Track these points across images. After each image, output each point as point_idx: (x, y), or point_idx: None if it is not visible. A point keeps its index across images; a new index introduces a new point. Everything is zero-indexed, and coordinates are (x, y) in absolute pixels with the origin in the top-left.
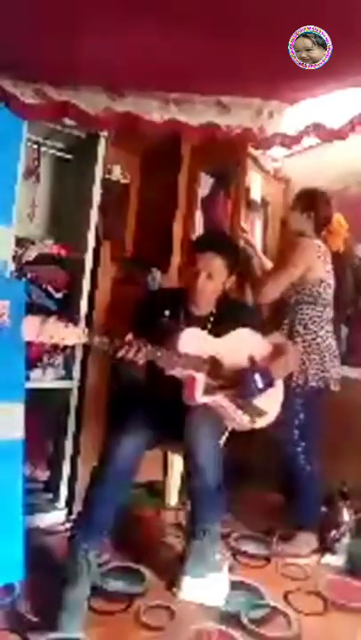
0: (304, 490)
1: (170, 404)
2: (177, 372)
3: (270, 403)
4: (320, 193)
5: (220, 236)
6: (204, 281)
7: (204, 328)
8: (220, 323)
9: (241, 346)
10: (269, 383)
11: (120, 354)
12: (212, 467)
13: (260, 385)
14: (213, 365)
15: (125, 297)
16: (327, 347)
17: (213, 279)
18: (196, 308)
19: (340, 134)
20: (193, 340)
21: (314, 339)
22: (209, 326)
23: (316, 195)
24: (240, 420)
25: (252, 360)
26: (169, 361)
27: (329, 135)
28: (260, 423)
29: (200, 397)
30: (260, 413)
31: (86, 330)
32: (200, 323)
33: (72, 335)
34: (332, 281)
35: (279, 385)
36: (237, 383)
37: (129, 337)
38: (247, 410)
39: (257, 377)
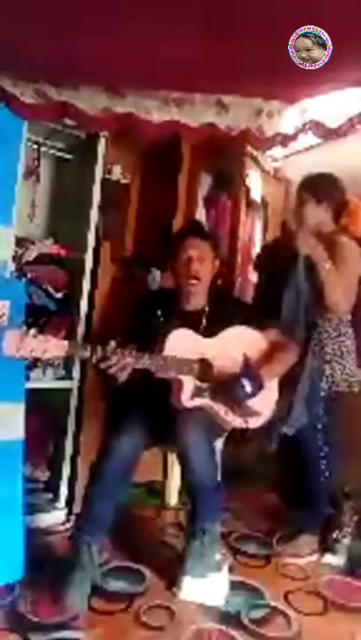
0: (318, 495)
1: (165, 403)
2: (165, 374)
3: (264, 402)
4: (331, 177)
5: (197, 223)
6: (198, 265)
7: (197, 325)
8: (214, 320)
9: (234, 344)
10: (259, 387)
11: (103, 365)
12: (207, 466)
13: (249, 390)
14: (203, 367)
15: (125, 297)
16: (352, 348)
17: (205, 262)
18: (188, 303)
19: (338, 132)
20: (181, 343)
21: (343, 341)
22: (203, 323)
23: (327, 181)
24: (231, 420)
25: (246, 359)
26: (156, 365)
27: (327, 133)
28: (254, 423)
29: (187, 401)
30: (253, 414)
31: (67, 342)
32: (193, 320)
33: (53, 348)
34: None
35: (274, 383)
36: (226, 388)
37: (112, 344)
38: (239, 411)
39: (245, 382)
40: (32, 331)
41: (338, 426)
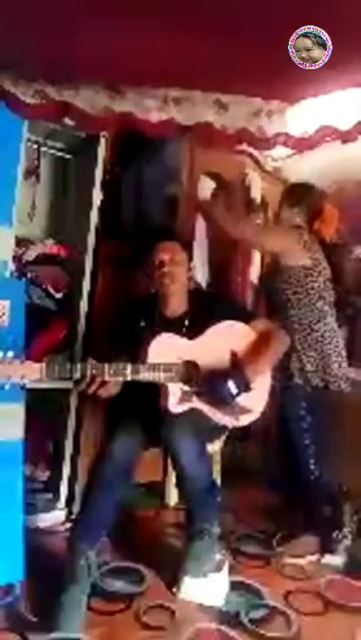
0: (312, 494)
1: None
2: (151, 380)
3: (255, 399)
4: (307, 186)
5: (165, 227)
6: (172, 268)
7: (180, 330)
8: (197, 321)
9: (222, 341)
10: (246, 387)
11: (82, 385)
12: (198, 468)
13: (235, 391)
14: (190, 370)
15: (124, 297)
16: (325, 342)
17: (177, 264)
18: (169, 309)
19: (349, 137)
20: (165, 349)
21: (309, 334)
22: (186, 326)
23: (303, 188)
24: (222, 420)
25: (233, 355)
26: (139, 375)
27: (341, 137)
28: (245, 420)
29: (174, 407)
30: (243, 411)
31: (44, 364)
32: (176, 325)
33: (31, 371)
34: (320, 270)
35: (265, 378)
36: (211, 390)
37: (92, 361)
38: (228, 411)
39: (230, 384)
40: (9, 355)
41: (324, 424)
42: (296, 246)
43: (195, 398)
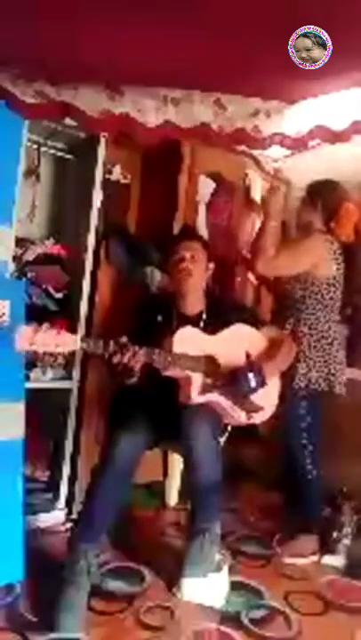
0: (309, 494)
1: (169, 403)
2: (173, 372)
3: (267, 398)
4: (328, 181)
5: (188, 227)
6: (190, 264)
7: (196, 327)
8: (213, 322)
9: (237, 342)
10: (262, 382)
11: (116, 359)
12: (211, 463)
13: (253, 384)
14: (210, 364)
15: (125, 297)
16: (333, 349)
17: (197, 262)
18: (186, 307)
19: (342, 137)
20: (188, 340)
21: (319, 340)
22: (202, 324)
23: (323, 184)
24: (237, 416)
25: (248, 356)
26: (164, 362)
27: (333, 137)
28: (258, 419)
29: (196, 397)
30: (257, 409)
31: (79, 336)
32: (193, 323)
33: (66, 342)
34: (341, 279)
35: (276, 380)
36: (232, 382)
37: (123, 339)
38: (244, 406)
39: (250, 376)
40: (44, 325)
41: (323, 425)
42: (327, 259)
43: (214, 391)
